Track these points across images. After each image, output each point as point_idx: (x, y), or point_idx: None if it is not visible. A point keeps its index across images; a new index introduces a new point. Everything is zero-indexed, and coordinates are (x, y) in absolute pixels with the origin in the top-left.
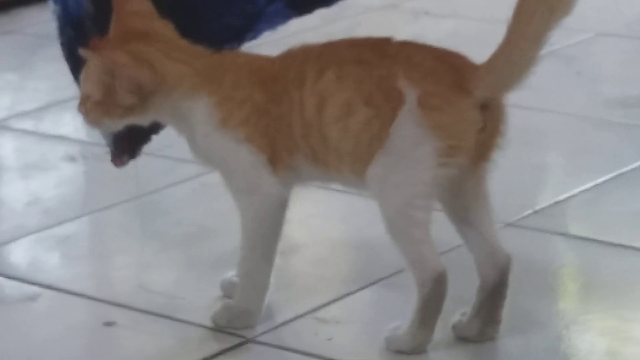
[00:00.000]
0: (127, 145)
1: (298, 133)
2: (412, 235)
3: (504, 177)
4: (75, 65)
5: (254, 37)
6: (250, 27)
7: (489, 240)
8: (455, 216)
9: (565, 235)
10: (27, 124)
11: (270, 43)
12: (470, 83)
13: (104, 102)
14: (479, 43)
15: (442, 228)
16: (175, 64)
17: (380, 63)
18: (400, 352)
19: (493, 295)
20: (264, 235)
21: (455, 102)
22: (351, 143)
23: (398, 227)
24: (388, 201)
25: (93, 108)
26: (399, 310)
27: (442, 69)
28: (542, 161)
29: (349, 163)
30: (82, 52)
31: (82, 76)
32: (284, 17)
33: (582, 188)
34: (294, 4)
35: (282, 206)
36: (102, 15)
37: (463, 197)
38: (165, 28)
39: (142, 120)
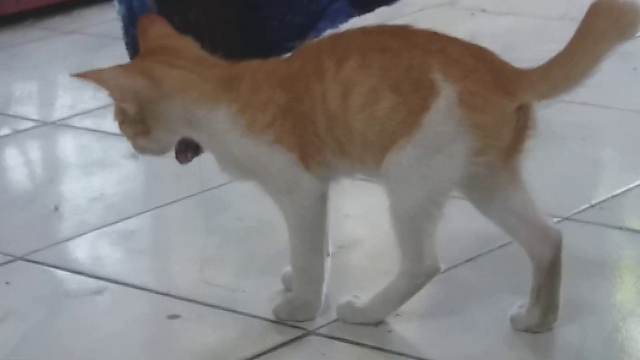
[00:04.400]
0: (192, 142)
1: (323, 127)
2: (422, 229)
3: (561, 172)
4: None
5: (316, 35)
6: (313, 25)
7: (536, 221)
8: (495, 210)
9: (622, 228)
10: (89, 123)
11: None
12: (516, 86)
13: (127, 121)
14: (534, 40)
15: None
16: (176, 71)
17: (409, 52)
18: None
19: (550, 275)
20: (310, 229)
21: (498, 104)
22: (376, 131)
23: (412, 218)
24: (409, 191)
25: (126, 130)
26: (460, 304)
27: (482, 68)
28: (599, 156)
29: (373, 152)
30: (73, 76)
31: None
32: (346, 16)
33: (638, 182)
34: (357, 2)
35: (322, 199)
36: (167, 15)
37: (501, 190)
38: (181, 43)
39: (171, 137)
